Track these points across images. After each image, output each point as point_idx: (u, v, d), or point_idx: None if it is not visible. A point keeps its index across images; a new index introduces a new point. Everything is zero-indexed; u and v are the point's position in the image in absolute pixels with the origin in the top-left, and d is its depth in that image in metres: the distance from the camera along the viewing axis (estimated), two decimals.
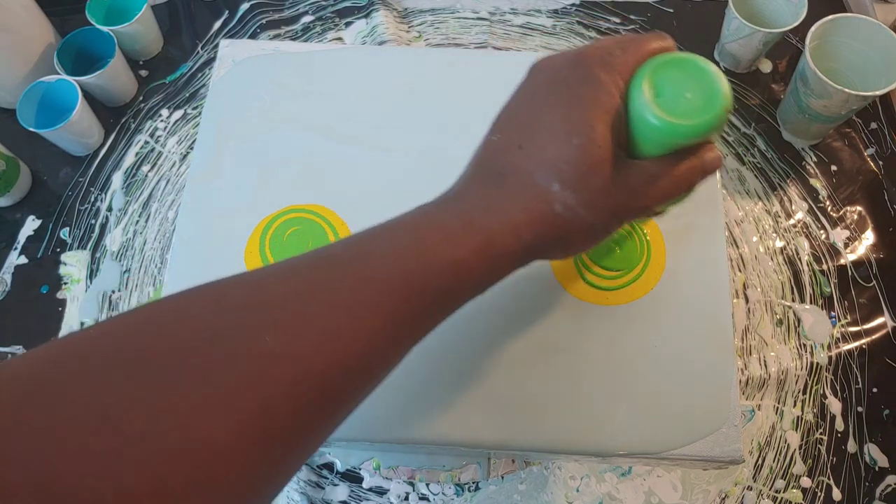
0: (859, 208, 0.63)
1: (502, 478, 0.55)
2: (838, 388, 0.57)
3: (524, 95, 0.32)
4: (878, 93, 0.56)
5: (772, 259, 0.61)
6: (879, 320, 0.59)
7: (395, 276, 0.27)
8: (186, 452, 0.21)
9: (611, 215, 0.31)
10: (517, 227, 0.29)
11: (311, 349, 0.25)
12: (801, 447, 0.55)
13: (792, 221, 0.63)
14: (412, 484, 0.55)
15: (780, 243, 0.62)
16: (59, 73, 0.64)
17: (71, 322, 0.60)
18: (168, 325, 0.24)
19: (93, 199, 0.65)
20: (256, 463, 0.23)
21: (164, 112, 0.69)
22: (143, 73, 0.71)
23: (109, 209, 0.64)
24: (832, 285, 0.60)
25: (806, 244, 0.62)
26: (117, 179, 0.66)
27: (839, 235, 0.62)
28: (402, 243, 0.28)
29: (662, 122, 0.29)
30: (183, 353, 0.23)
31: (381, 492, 0.54)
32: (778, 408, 0.56)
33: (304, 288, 0.26)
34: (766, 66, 0.71)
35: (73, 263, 0.62)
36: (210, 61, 0.71)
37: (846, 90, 0.56)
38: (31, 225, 0.64)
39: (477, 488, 0.54)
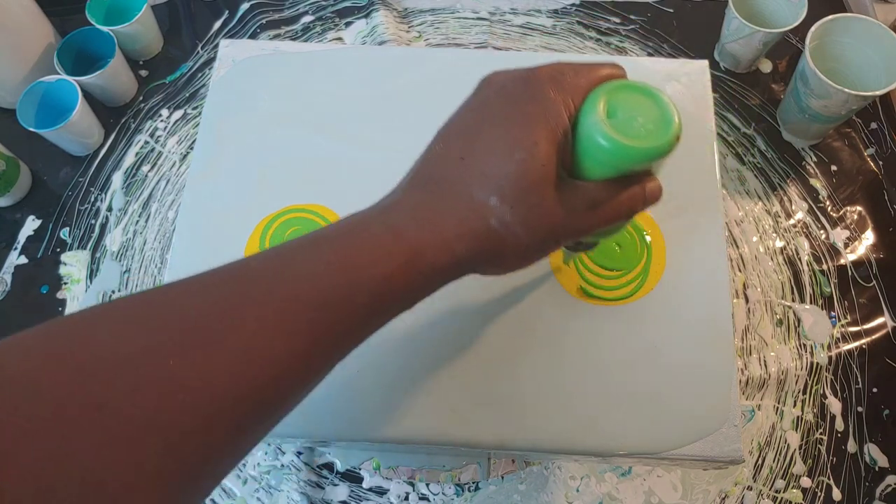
0: (859, 208, 0.63)
1: (502, 478, 0.55)
2: (838, 388, 0.57)
3: (472, 108, 0.31)
4: (877, 93, 0.56)
5: (772, 259, 0.61)
6: (879, 320, 0.59)
7: (316, 295, 0.26)
8: (82, 498, 0.19)
9: (547, 234, 0.30)
10: (449, 240, 0.28)
11: (220, 375, 0.23)
12: (801, 447, 0.55)
13: (792, 221, 0.63)
14: (412, 484, 0.55)
15: (780, 243, 0.62)
16: (59, 73, 0.64)
17: None
18: (68, 348, 0.22)
19: (93, 199, 0.65)
20: (157, 489, 0.21)
21: (164, 112, 0.69)
22: (143, 73, 0.71)
23: (109, 209, 0.64)
24: (832, 285, 0.60)
25: (806, 244, 0.62)
26: (117, 179, 0.66)
27: (839, 235, 0.62)
28: (326, 259, 0.27)
29: (613, 143, 0.28)
30: (80, 384, 0.21)
31: (381, 492, 0.54)
32: (778, 408, 0.56)
33: (217, 307, 0.25)
34: (766, 66, 0.71)
35: (73, 263, 0.62)
36: (210, 61, 0.71)
37: (846, 90, 0.56)
38: (31, 225, 0.64)
39: (477, 488, 0.54)
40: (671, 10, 0.74)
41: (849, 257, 0.61)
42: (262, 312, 0.25)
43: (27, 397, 0.20)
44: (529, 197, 0.29)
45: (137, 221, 0.64)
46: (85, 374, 0.21)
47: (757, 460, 0.55)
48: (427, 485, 0.55)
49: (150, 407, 0.22)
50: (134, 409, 0.21)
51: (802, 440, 0.55)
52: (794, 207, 0.64)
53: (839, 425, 0.55)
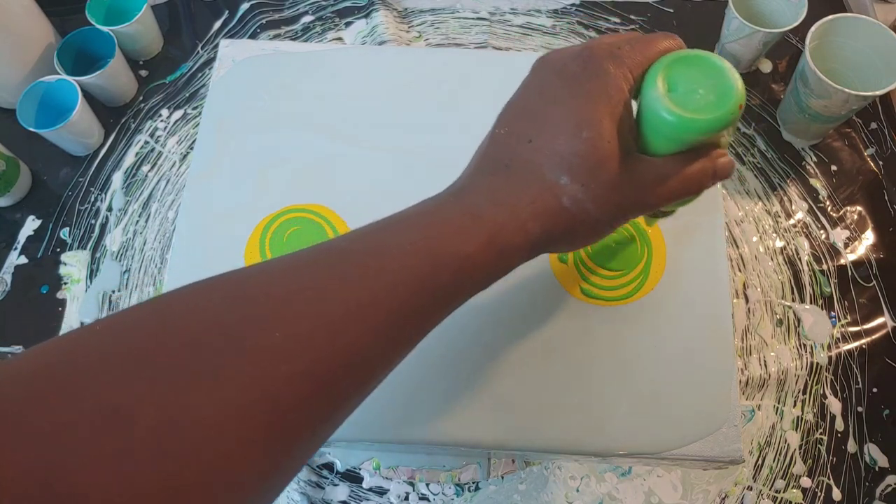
0: (859, 208, 0.63)
1: (502, 478, 0.55)
2: (838, 388, 0.57)
3: (532, 89, 0.32)
4: (877, 93, 0.56)
5: (772, 259, 0.61)
6: (879, 320, 0.59)
7: (404, 271, 0.27)
8: (197, 450, 0.21)
9: (617, 210, 0.31)
10: (524, 220, 0.29)
11: (319, 344, 0.24)
12: (801, 447, 0.55)
13: (792, 221, 0.63)
14: (412, 484, 0.55)
15: (780, 243, 0.62)
16: (59, 73, 0.64)
17: (71, 322, 0.60)
18: (176, 319, 0.24)
19: (93, 199, 0.65)
20: (263, 458, 0.23)
21: (164, 112, 0.69)
22: (143, 73, 0.71)
23: (109, 209, 0.64)
24: (832, 285, 0.60)
25: (806, 244, 0.62)
26: (117, 179, 0.66)
27: (839, 235, 0.62)
28: (410, 238, 0.28)
29: (675, 117, 0.29)
30: (192, 348, 0.23)
31: (381, 492, 0.54)
32: (778, 408, 0.56)
33: (312, 283, 0.26)
34: (766, 66, 0.71)
35: (73, 263, 0.62)
36: (210, 61, 0.71)
37: (846, 90, 0.56)
38: (31, 225, 0.64)
39: (477, 488, 0.54)
40: (671, 10, 0.74)
41: (849, 257, 0.61)
42: (354, 288, 0.26)
43: (145, 363, 0.22)
44: (599, 174, 0.29)
45: (137, 221, 0.64)
46: (195, 343, 0.23)
47: (757, 460, 0.55)
48: (427, 485, 0.55)
49: (255, 371, 0.23)
50: (243, 377, 0.22)
51: (802, 440, 0.55)
52: (794, 207, 0.64)
53: (839, 425, 0.55)
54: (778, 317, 0.59)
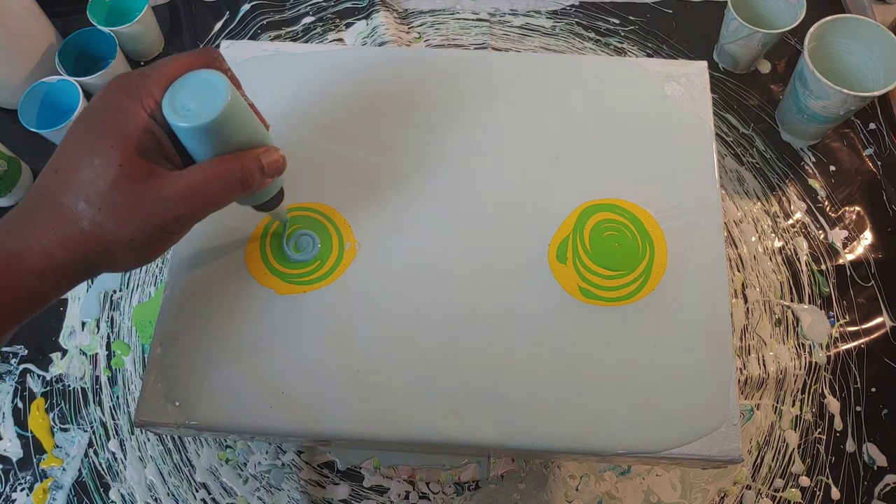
0: (858, 208, 0.64)
1: (502, 477, 0.55)
2: (837, 387, 0.57)
3: (71, 126, 0.35)
4: (876, 93, 0.56)
5: (770, 259, 0.62)
6: (878, 320, 0.59)
7: None
8: None
9: (150, 227, 0.33)
10: (46, 246, 0.32)
11: None
12: (799, 446, 0.55)
13: (790, 221, 0.63)
14: (412, 483, 0.55)
15: (778, 243, 0.62)
16: (60, 74, 0.64)
17: (72, 322, 0.60)
18: None
19: None
20: None
21: None
22: None
23: None
24: (831, 285, 0.60)
25: (804, 244, 0.62)
26: None
27: (838, 235, 0.62)
28: None
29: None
30: None
31: (381, 491, 0.55)
32: (777, 407, 0.56)
33: None
34: (765, 67, 0.71)
35: None
36: None
37: (845, 91, 0.56)
38: None
39: (477, 487, 0.55)
40: (670, 11, 0.74)
41: (847, 257, 0.62)
42: None
43: None
44: (114, 196, 0.32)
45: None
46: None
47: (756, 459, 0.55)
48: (427, 484, 0.55)
49: None
50: None
51: (801, 439, 0.55)
52: (792, 208, 0.64)
53: (838, 425, 0.56)
54: (777, 317, 0.59)
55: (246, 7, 0.75)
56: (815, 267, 0.61)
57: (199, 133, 0.33)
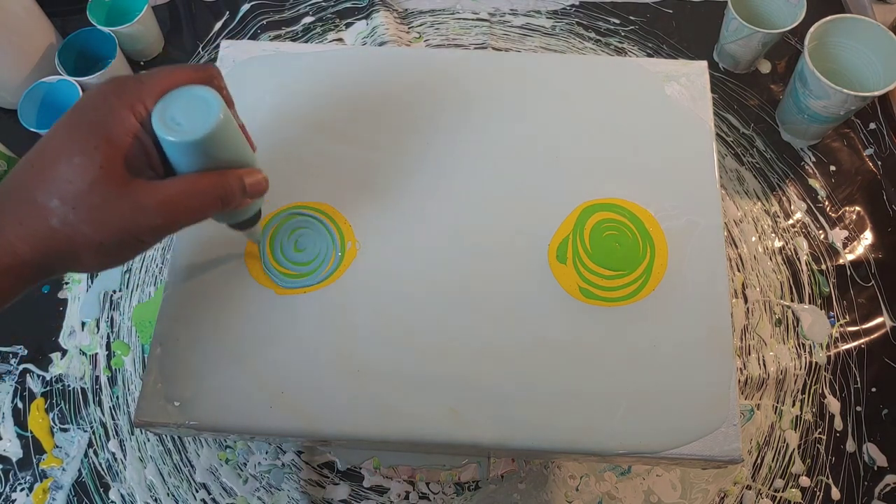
0: (858, 208, 0.64)
1: (502, 477, 0.55)
2: (837, 387, 0.57)
3: (57, 121, 0.34)
4: (876, 93, 0.56)
5: (771, 259, 0.62)
6: (878, 320, 0.59)
7: None
8: None
9: (121, 232, 0.32)
10: (11, 241, 0.31)
11: None
12: (799, 446, 0.55)
13: (791, 221, 0.63)
14: (412, 483, 0.55)
15: (778, 243, 0.62)
16: (60, 74, 0.64)
17: (72, 322, 0.60)
18: None
19: None
20: None
21: None
22: None
23: None
24: (831, 285, 0.60)
25: (805, 244, 0.62)
26: None
27: (838, 235, 0.62)
28: None
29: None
30: None
31: (381, 491, 0.55)
32: (777, 407, 0.56)
33: None
34: (765, 67, 0.71)
35: None
36: (211, 62, 0.71)
37: (845, 91, 0.56)
38: None
39: (477, 487, 0.55)
40: (670, 11, 0.74)
41: (847, 257, 0.61)
42: None
43: None
44: (91, 198, 0.31)
45: None
46: None
47: (756, 459, 0.55)
48: (427, 484, 0.55)
49: None
50: None
51: (801, 439, 0.55)
52: (792, 207, 0.64)
53: (838, 425, 0.56)
54: (777, 317, 0.59)
55: (246, 7, 0.75)
56: (815, 267, 0.61)
57: (185, 148, 0.33)
